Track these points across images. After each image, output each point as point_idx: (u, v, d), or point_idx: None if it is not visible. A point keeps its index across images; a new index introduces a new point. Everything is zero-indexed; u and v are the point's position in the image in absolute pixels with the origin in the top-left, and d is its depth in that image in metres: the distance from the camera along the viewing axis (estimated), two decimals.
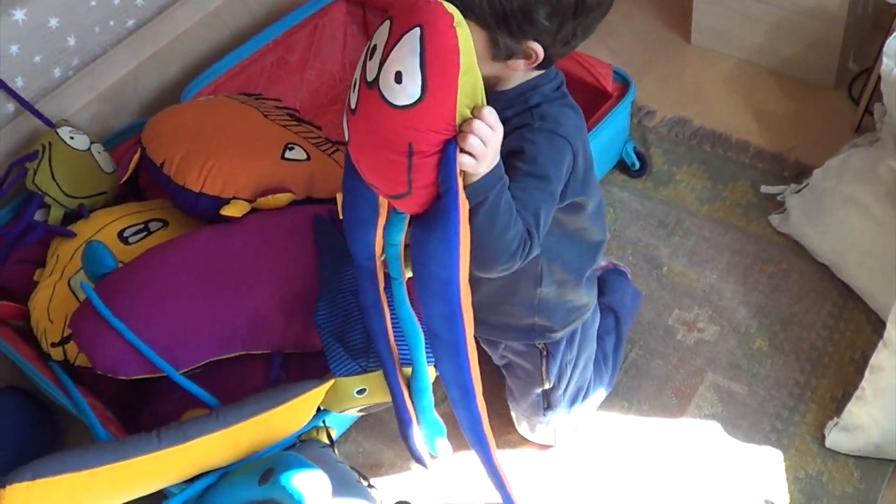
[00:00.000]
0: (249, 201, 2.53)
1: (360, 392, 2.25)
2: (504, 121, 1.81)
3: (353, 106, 1.80)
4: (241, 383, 2.35)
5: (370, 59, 1.75)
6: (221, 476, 2.21)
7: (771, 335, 2.73)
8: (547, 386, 2.46)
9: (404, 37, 1.69)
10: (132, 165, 2.77)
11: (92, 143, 2.86)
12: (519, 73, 1.97)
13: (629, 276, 2.76)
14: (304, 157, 2.64)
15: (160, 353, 2.27)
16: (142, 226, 2.67)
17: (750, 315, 2.77)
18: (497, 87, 1.99)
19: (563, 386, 2.46)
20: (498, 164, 1.80)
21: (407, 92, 1.68)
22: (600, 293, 2.55)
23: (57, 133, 2.83)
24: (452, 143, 1.73)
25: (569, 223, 2.15)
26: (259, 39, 3.29)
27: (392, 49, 1.70)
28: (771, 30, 3.35)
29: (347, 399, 2.27)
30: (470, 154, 1.72)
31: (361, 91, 1.77)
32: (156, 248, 2.49)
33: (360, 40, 3.47)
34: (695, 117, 3.29)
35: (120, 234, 2.64)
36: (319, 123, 3.17)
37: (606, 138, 2.97)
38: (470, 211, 1.79)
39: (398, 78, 1.69)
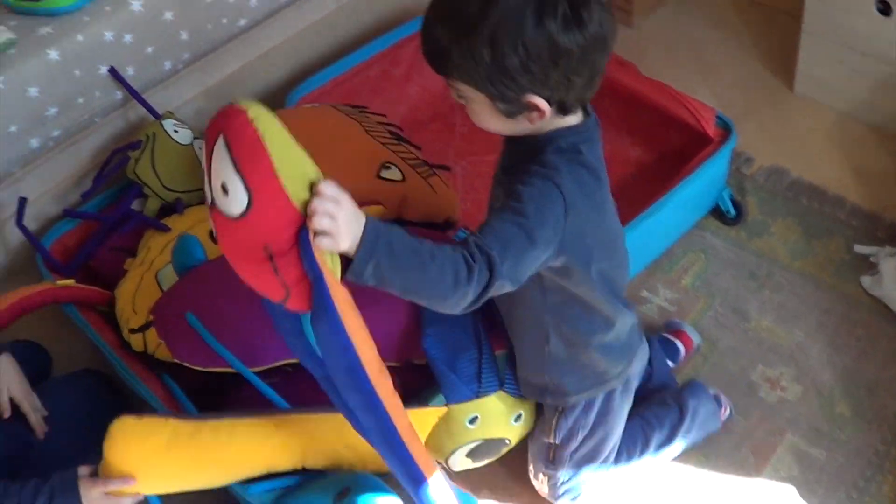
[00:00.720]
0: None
1: (473, 421, 2.22)
2: (515, 165, 1.92)
3: (213, 232, 1.78)
4: (318, 393, 2.30)
5: (206, 182, 1.72)
6: (300, 483, 2.17)
7: (855, 401, 2.63)
8: (552, 441, 2.37)
9: (214, 148, 1.66)
10: None
11: (195, 138, 2.85)
12: (546, 123, 1.92)
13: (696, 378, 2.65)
14: (400, 177, 2.59)
15: (237, 349, 2.24)
16: None
17: (835, 378, 2.68)
18: (530, 136, 1.96)
19: (570, 447, 2.36)
20: (368, 227, 1.70)
21: (237, 200, 1.65)
22: (682, 387, 2.54)
23: (162, 125, 2.82)
24: (304, 231, 1.67)
25: (567, 286, 2.06)
26: (366, 50, 3.27)
27: (210, 164, 1.68)
28: (876, 85, 3.26)
29: (460, 431, 2.23)
30: (325, 233, 1.65)
31: (211, 215, 1.74)
32: None
33: None
34: (793, 168, 3.20)
35: (212, 233, 2.58)
36: (417, 139, 3.13)
37: (704, 183, 2.90)
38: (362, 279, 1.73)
39: (224, 190, 1.66)
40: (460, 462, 2.35)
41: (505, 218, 1.85)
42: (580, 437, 2.34)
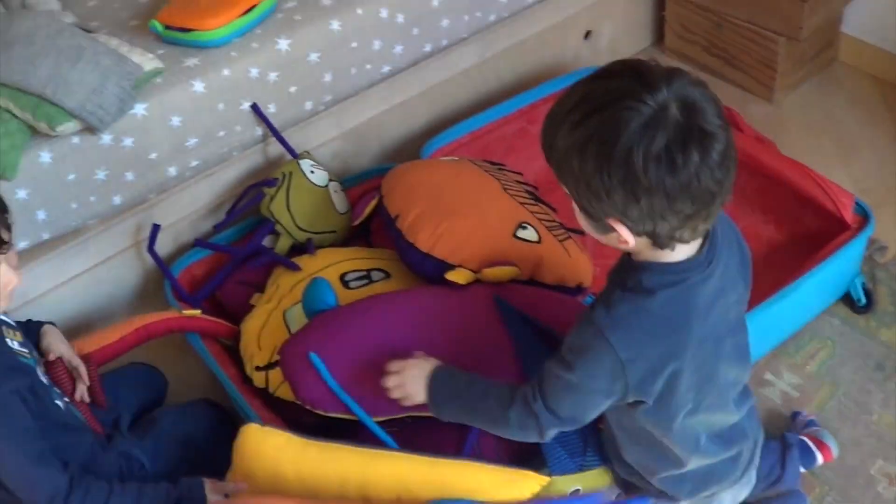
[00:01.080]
0: (474, 271, 2.45)
1: (574, 493, 2.17)
2: (615, 269, 1.87)
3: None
4: (436, 447, 2.26)
5: None
6: None
7: None
8: None
9: None
10: (367, 210, 2.74)
11: (330, 180, 2.84)
12: (639, 251, 1.78)
13: None
14: (536, 238, 2.54)
15: (361, 397, 2.21)
16: (364, 273, 2.61)
17: None
18: (631, 256, 1.84)
19: None
20: (431, 386, 2.06)
21: None
22: None
23: (299, 164, 2.82)
24: None
25: (635, 417, 1.96)
26: (505, 106, 3.25)
27: None
28: None
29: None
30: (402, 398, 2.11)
31: None
32: (377, 297, 2.44)
33: None
34: None
35: (342, 277, 2.59)
36: (550, 199, 3.09)
37: (837, 270, 2.83)
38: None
39: None
40: None
41: (552, 369, 1.89)
42: None
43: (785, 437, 2.52)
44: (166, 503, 2.19)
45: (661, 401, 1.87)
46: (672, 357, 1.82)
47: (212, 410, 2.61)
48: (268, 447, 2.13)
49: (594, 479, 2.18)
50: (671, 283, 1.78)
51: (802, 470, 2.56)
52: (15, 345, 2.19)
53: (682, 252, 1.77)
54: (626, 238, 1.72)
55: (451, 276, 2.43)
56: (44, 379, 2.22)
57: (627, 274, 1.82)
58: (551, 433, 1.96)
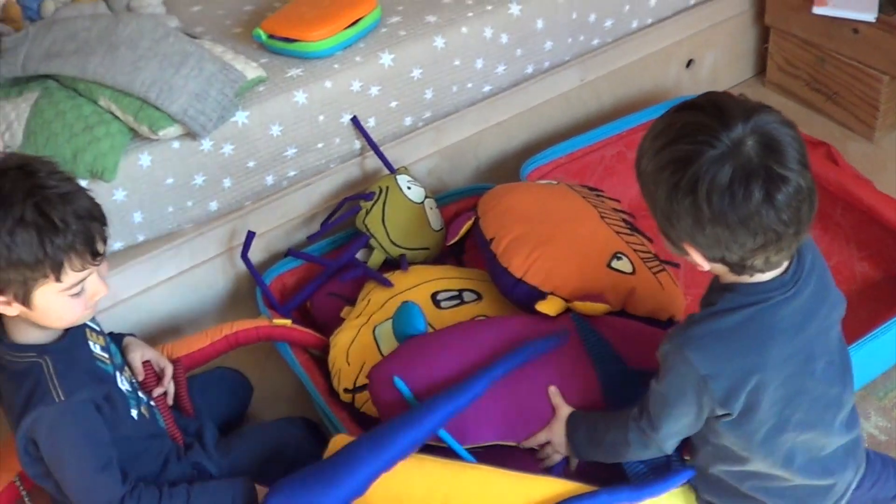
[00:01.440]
0: (566, 300, 2.39)
1: None
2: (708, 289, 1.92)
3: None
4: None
5: None
6: None
7: None
8: None
9: None
10: (463, 230, 2.68)
11: (426, 197, 2.80)
12: (719, 274, 1.85)
13: None
14: (630, 269, 2.47)
15: (449, 423, 2.16)
16: (456, 293, 2.57)
17: None
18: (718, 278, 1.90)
19: None
20: (569, 437, 2.13)
21: None
22: None
23: (396, 179, 2.78)
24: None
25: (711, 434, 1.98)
26: (605, 130, 3.19)
27: None
28: None
29: None
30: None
31: None
32: (466, 324, 2.39)
33: None
34: None
35: (433, 296, 2.55)
36: (644, 225, 3.03)
37: None
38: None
39: None
40: None
41: (652, 386, 1.94)
42: None
43: None
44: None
45: (744, 415, 1.88)
46: (753, 371, 1.83)
47: (298, 430, 2.55)
48: None
49: (677, 498, 2.12)
50: (753, 303, 1.82)
51: None
52: (97, 349, 2.17)
53: (766, 274, 1.80)
54: (700, 262, 1.79)
55: (540, 306, 2.36)
56: (122, 387, 2.18)
57: (714, 294, 1.88)
58: (670, 444, 1.99)
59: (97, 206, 2.02)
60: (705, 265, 1.79)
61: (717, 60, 3.71)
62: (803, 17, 3.55)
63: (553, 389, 2.18)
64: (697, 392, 1.85)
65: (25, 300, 1.96)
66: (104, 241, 2.01)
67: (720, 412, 1.87)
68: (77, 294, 2.00)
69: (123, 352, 2.32)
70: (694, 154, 1.67)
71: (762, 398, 1.86)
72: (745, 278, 1.81)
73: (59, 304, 1.99)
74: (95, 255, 1.98)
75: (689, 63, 3.63)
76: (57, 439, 2.02)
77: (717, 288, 1.88)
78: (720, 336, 1.82)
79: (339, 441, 2.14)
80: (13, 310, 1.98)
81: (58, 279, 1.94)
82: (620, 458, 2.08)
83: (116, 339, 2.34)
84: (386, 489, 2.07)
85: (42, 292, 1.96)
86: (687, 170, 1.67)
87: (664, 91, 3.54)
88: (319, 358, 2.57)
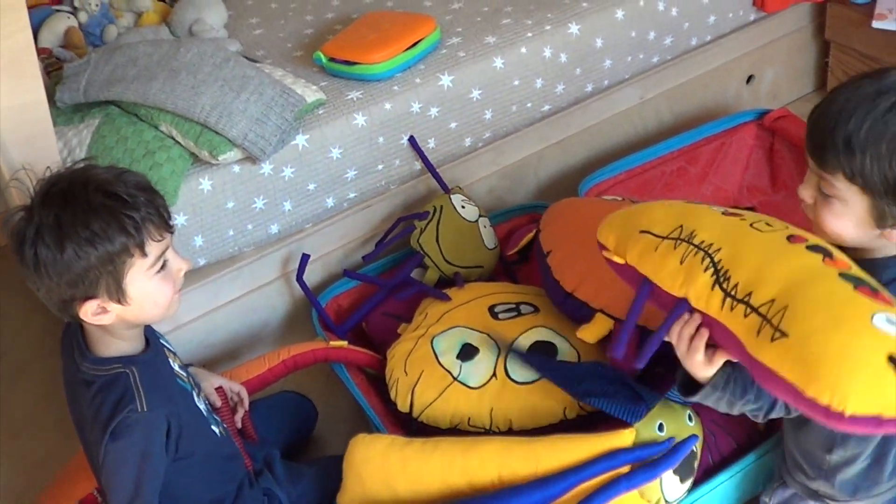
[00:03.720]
0: (616, 318, 2.19)
1: (661, 428, 2.03)
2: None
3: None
4: None
5: None
6: None
7: None
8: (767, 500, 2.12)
9: None
10: (524, 242, 2.57)
11: (480, 216, 2.63)
12: (891, 245, 1.75)
13: None
14: None
15: None
16: (513, 305, 2.38)
17: None
18: (863, 256, 1.76)
19: None
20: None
21: None
22: None
23: (450, 199, 2.62)
24: None
25: None
26: (666, 145, 2.97)
27: None
28: None
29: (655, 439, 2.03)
30: None
31: None
32: None
33: (762, 166, 3.08)
34: None
35: (491, 308, 2.37)
36: None
37: None
38: None
39: None
40: (672, 487, 2.05)
41: None
42: None
43: None
44: None
45: None
46: None
47: None
48: (375, 451, 2.09)
49: (667, 408, 2.05)
50: None
51: None
52: (176, 366, 2.04)
53: None
54: None
55: (582, 333, 2.20)
56: (201, 406, 2.05)
57: (877, 276, 1.69)
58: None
59: (146, 178, 1.91)
60: None
61: (777, 76, 3.48)
62: (863, 32, 3.32)
63: None
64: None
65: (119, 294, 1.83)
66: (168, 211, 1.90)
67: None
68: (163, 269, 1.88)
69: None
70: None
71: None
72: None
73: (151, 287, 1.87)
74: (168, 223, 1.88)
75: (750, 79, 3.39)
76: (121, 445, 1.85)
77: (870, 269, 1.69)
78: None
79: (357, 440, 2.12)
80: (109, 315, 1.85)
81: (143, 254, 1.83)
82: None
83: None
84: (406, 475, 2.05)
85: (132, 278, 1.83)
86: None
87: (724, 107, 3.31)
88: (377, 377, 2.40)
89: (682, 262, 1.76)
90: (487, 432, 2.17)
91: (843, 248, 1.72)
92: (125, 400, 1.85)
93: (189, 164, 2.42)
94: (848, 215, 1.72)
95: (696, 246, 1.75)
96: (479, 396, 2.21)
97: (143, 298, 1.86)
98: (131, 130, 2.43)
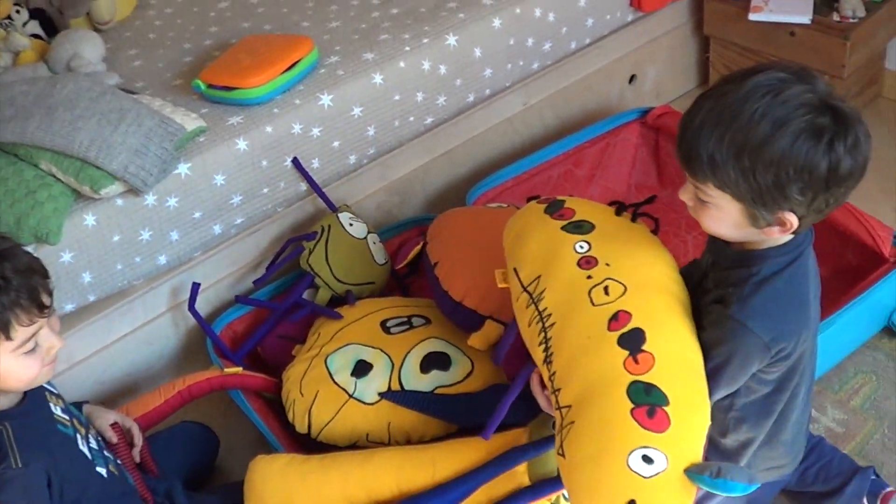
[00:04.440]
0: (504, 323, 2.25)
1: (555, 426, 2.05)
2: (725, 270, 1.86)
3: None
4: None
5: None
6: None
7: None
8: None
9: None
10: (412, 255, 2.61)
11: (369, 232, 2.69)
12: (771, 238, 1.81)
13: None
14: None
15: None
16: (405, 319, 2.46)
17: None
18: (748, 248, 1.85)
19: None
20: None
21: None
22: None
23: (338, 217, 2.67)
24: None
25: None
26: (551, 150, 3.06)
27: None
28: None
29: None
30: None
31: None
32: None
33: (648, 163, 3.19)
34: None
35: (383, 323, 2.44)
36: None
37: (875, 302, 2.62)
38: None
39: None
40: None
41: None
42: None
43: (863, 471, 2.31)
44: None
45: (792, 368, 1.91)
46: (803, 324, 1.86)
47: None
48: (274, 471, 2.15)
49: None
50: (790, 261, 1.83)
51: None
52: (57, 410, 2.05)
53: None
54: (793, 224, 1.74)
55: (472, 341, 2.28)
56: (84, 449, 2.05)
57: (749, 266, 1.83)
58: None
59: (36, 259, 1.93)
60: (791, 228, 1.75)
61: (659, 74, 3.58)
62: (741, 25, 3.44)
63: None
64: (760, 359, 1.83)
65: None
66: (49, 293, 1.90)
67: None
68: (31, 351, 1.89)
69: (88, 420, 2.19)
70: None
71: (808, 347, 1.91)
72: (783, 238, 1.81)
73: (15, 364, 1.87)
74: (42, 308, 1.87)
75: (632, 79, 3.49)
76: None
77: (748, 262, 1.83)
78: (775, 302, 1.81)
79: (257, 461, 2.18)
80: None
81: (8, 337, 1.83)
82: None
83: (76, 408, 2.20)
84: (307, 491, 2.10)
85: None
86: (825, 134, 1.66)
87: (608, 108, 3.41)
88: (275, 401, 2.44)
89: (528, 326, 1.93)
90: (387, 447, 2.23)
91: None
92: None
93: (72, 201, 2.45)
94: (724, 219, 1.79)
95: (539, 313, 1.92)
96: (375, 412, 2.27)
97: (7, 374, 1.88)
98: (11, 171, 2.46)
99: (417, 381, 2.29)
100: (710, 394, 1.85)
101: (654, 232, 2.09)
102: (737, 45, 3.51)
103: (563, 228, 2.02)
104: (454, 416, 2.25)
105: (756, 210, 1.73)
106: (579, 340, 1.86)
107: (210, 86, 2.70)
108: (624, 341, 1.82)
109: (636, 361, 1.79)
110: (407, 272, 2.77)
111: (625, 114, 3.19)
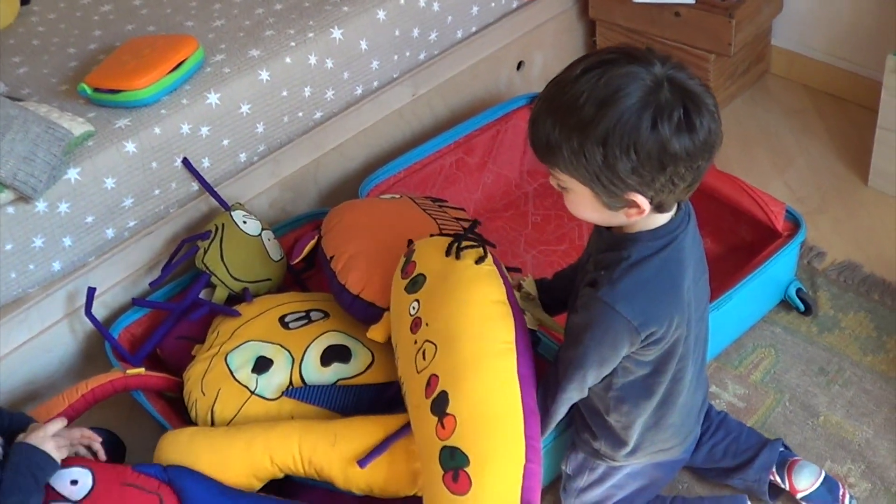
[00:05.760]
0: None
1: None
2: (601, 254, 1.97)
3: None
4: None
5: None
6: None
7: None
8: (565, 468, 2.38)
9: None
10: (307, 250, 2.69)
11: (263, 229, 2.79)
12: (640, 220, 1.91)
13: None
14: None
15: None
16: (303, 314, 2.56)
17: None
18: (621, 231, 1.96)
19: (578, 483, 2.35)
20: None
21: None
22: None
23: (231, 216, 2.76)
24: None
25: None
26: (441, 139, 3.19)
27: None
28: None
29: None
30: None
31: None
32: None
33: None
34: (865, 263, 3.03)
35: (281, 319, 2.55)
36: (491, 226, 3.05)
37: (771, 277, 2.77)
38: None
39: None
40: None
41: (566, 357, 2.05)
42: (586, 478, 2.33)
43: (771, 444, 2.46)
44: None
45: (668, 352, 2.02)
46: (675, 309, 1.95)
47: None
48: (181, 441, 2.28)
49: None
50: (663, 246, 1.92)
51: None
52: None
53: (668, 215, 1.93)
54: (644, 207, 1.83)
55: (371, 333, 2.38)
56: None
57: (620, 250, 1.93)
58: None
59: None
60: (647, 210, 1.84)
61: (546, 59, 3.73)
62: (626, 7, 3.60)
63: None
64: (629, 342, 1.93)
65: None
66: None
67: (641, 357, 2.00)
68: None
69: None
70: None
71: (680, 332, 1.99)
72: (660, 219, 1.91)
73: None
74: None
75: (520, 65, 3.64)
76: None
77: (620, 245, 1.93)
78: (644, 286, 1.91)
79: (165, 436, 2.32)
80: None
81: None
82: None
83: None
84: (213, 454, 2.24)
85: None
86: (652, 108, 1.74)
87: (497, 96, 3.55)
88: (177, 400, 2.54)
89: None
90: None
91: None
92: None
93: None
94: (581, 203, 1.89)
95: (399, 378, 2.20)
96: (278, 407, 2.39)
97: None
98: None
99: (318, 374, 2.40)
100: (583, 376, 2.00)
101: (483, 257, 2.22)
102: (622, 27, 3.67)
103: (405, 289, 2.22)
104: (357, 408, 2.37)
105: (602, 192, 1.83)
106: (412, 411, 2.09)
107: (96, 89, 2.77)
108: (434, 407, 2.02)
109: (443, 426, 1.98)
110: (304, 267, 2.87)
111: (514, 100, 3.33)
